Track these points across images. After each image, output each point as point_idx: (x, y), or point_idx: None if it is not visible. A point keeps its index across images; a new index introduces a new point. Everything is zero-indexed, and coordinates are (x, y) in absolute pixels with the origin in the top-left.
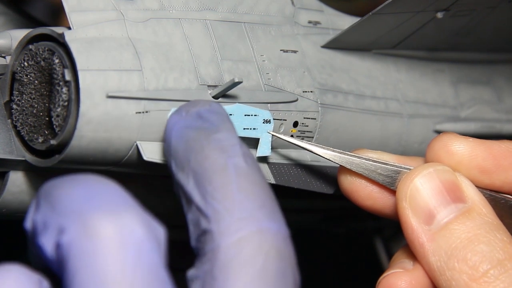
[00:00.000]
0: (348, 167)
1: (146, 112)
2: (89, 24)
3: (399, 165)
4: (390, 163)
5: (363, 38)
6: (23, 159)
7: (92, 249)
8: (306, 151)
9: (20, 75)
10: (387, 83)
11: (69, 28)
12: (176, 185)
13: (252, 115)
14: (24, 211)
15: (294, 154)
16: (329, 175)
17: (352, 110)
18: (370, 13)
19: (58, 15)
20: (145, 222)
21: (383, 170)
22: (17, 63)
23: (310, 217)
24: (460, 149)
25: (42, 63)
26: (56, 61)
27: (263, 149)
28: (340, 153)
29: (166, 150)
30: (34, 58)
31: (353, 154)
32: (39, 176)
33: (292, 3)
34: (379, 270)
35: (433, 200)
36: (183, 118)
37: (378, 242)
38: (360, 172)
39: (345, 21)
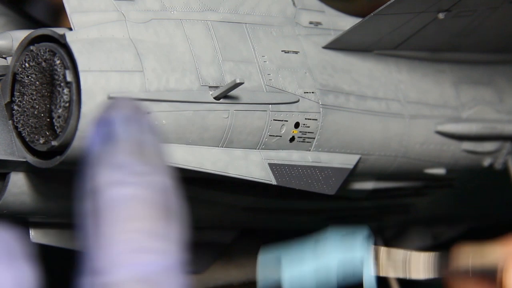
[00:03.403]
0: None
1: (147, 113)
2: (90, 25)
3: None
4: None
5: (364, 39)
6: (24, 160)
7: None
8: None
9: (21, 76)
10: (389, 84)
11: (70, 29)
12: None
13: None
14: (25, 212)
15: (295, 155)
16: (330, 176)
17: (353, 111)
18: (372, 14)
19: (59, 16)
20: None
21: None
22: (18, 64)
23: (311, 217)
24: None
25: (43, 64)
26: (57, 62)
27: None
28: None
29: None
30: (35, 59)
31: None
32: (40, 178)
33: (293, 4)
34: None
35: None
36: (98, 124)
37: (378, 242)
38: None
39: (346, 22)
